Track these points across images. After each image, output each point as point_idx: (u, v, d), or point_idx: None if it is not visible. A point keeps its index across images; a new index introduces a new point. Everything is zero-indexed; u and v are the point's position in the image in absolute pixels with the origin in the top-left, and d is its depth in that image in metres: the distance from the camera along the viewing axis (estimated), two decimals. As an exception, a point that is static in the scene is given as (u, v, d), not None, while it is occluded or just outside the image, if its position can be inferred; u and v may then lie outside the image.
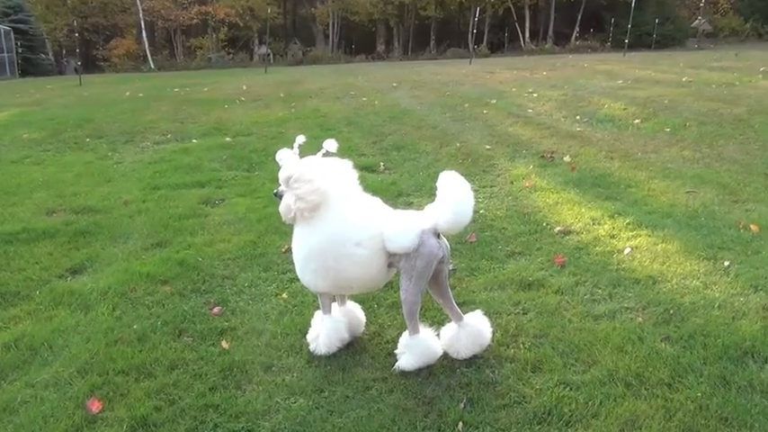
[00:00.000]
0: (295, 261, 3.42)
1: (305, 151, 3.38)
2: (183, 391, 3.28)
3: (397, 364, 3.38)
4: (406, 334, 3.43)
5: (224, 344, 3.71)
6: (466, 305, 4.06)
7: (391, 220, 3.29)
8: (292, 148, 3.39)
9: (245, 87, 18.11)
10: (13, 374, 3.48)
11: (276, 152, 3.43)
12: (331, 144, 3.34)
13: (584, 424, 2.91)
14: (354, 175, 3.38)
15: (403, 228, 3.24)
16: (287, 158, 3.35)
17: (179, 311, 4.12)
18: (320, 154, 3.35)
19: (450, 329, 3.51)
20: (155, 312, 4.14)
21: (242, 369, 3.46)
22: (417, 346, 3.35)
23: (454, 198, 3.22)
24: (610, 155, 7.95)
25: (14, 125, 12.18)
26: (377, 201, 3.44)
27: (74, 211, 6.40)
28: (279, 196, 3.38)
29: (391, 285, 4.21)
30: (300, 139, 3.40)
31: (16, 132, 11.21)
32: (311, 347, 3.56)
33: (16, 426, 3.04)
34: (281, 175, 3.31)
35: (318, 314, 3.63)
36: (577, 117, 10.65)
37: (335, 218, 3.25)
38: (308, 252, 3.30)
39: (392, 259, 3.30)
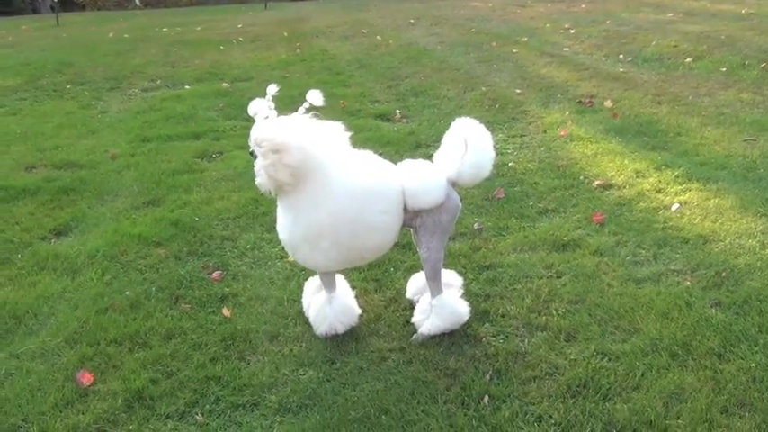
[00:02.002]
0: (290, 242, 3.30)
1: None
2: (182, 362, 3.36)
3: (420, 330, 3.44)
4: (425, 297, 3.49)
5: (225, 311, 3.79)
6: (493, 268, 4.12)
7: (412, 175, 3.30)
8: (267, 99, 3.23)
9: (240, 26, 18.01)
10: (-4, 345, 3.59)
11: (253, 101, 3.24)
12: (315, 96, 3.22)
13: (624, 397, 2.95)
14: (345, 135, 3.26)
15: (431, 181, 3.27)
16: (261, 115, 3.19)
17: (175, 276, 4.20)
18: (302, 109, 3.23)
19: (417, 279, 3.68)
20: (148, 277, 4.22)
21: (245, 338, 3.54)
22: (444, 307, 3.40)
23: (474, 149, 3.26)
24: (657, 99, 7.88)
25: (-14, 71, 12.24)
26: (371, 155, 3.38)
27: (55, 166, 6.48)
28: (256, 156, 3.24)
29: (410, 247, 4.26)
30: (272, 88, 3.23)
31: (-11, 79, 11.27)
32: (318, 331, 3.52)
33: (1, 399, 3.14)
34: (252, 136, 3.18)
35: (312, 285, 3.65)
36: (620, 56, 10.52)
37: (345, 187, 3.17)
38: (318, 230, 3.19)
39: (405, 217, 3.33)
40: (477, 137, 3.28)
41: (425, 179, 3.27)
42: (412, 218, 3.33)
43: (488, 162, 3.31)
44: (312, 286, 3.68)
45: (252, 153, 3.25)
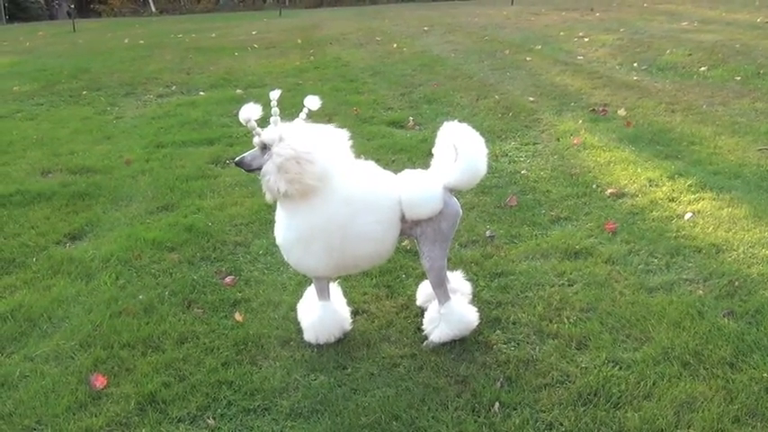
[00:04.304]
0: (284, 244, 3.33)
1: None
2: (194, 366, 3.38)
3: (430, 338, 3.45)
4: (433, 306, 3.50)
5: (237, 316, 3.81)
6: (505, 275, 4.12)
7: (408, 185, 3.29)
8: (272, 105, 3.17)
9: (255, 33, 18.10)
10: (10, 347, 3.62)
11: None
12: (313, 101, 3.24)
13: (635, 406, 2.95)
14: (348, 143, 3.29)
15: (427, 191, 3.26)
16: (254, 121, 3.12)
17: (188, 281, 4.22)
18: (303, 114, 3.26)
19: (427, 286, 3.63)
20: (161, 282, 4.25)
21: (257, 343, 3.56)
22: (452, 315, 3.40)
23: (467, 152, 3.26)
24: (671, 107, 7.86)
25: (3, 76, 12.37)
26: (372, 165, 3.40)
27: (71, 171, 6.53)
28: (248, 167, 3.22)
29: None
30: (276, 93, 3.19)
31: (6, 84, 11.39)
32: (306, 336, 3.53)
33: (16, 401, 3.17)
34: (266, 139, 3.15)
35: (309, 296, 3.65)
36: (634, 65, 10.50)
37: (339, 195, 3.19)
38: (311, 232, 3.22)
39: (404, 226, 3.33)
40: (465, 140, 3.28)
41: (421, 189, 3.27)
42: (411, 227, 3.34)
43: (481, 163, 3.29)
44: (309, 295, 3.68)
45: (241, 163, 3.22)
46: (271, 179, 3.14)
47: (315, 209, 3.19)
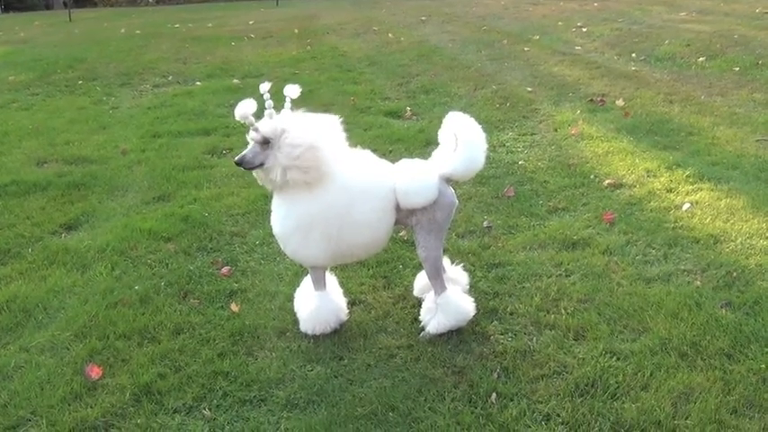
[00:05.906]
0: (282, 233, 3.31)
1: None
2: (190, 357, 3.37)
3: (427, 329, 3.44)
4: (430, 296, 3.49)
5: (233, 307, 3.80)
6: (502, 266, 4.11)
7: (403, 174, 3.28)
8: (264, 98, 3.15)
9: (252, 23, 18.03)
10: (6, 338, 3.61)
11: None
12: (293, 90, 3.21)
13: (632, 397, 2.94)
14: (341, 130, 3.28)
15: (421, 180, 3.24)
16: (251, 117, 3.10)
17: (184, 271, 4.21)
18: (288, 104, 3.22)
19: (424, 277, 3.60)
20: (157, 272, 4.23)
21: (253, 334, 3.54)
22: (449, 305, 3.39)
23: (466, 143, 3.25)
24: (669, 98, 7.84)
25: (-1, 66, 12.32)
26: (368, 153, 3.40)
27: (66, 161, 6.51)
28: (250, 164, 3.17)
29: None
30: (266, 86, 3.17)
31: (1, 74, 11.35)
32: (303, 327, 3.51)
33: (11, 392, 3.15)
34: (266, 133, 3.11)
35: (304, 286, 3.63)
36: (632, 55, 10.48)
37: (338, 183, 3.19)
38: (310, 220, 3.21)
39: (399, 216, 3.32)
40: (466, 131, 3.27)
41: (416, 178, 3.25)
42: (407, 216, 3.33)
43: (480, 155, 3.29)
44: (306, 285, 3.67)
45: (239, 163, 3.17)
46: (281, 172, 3.11)
47: (314, 197, 3.18)
